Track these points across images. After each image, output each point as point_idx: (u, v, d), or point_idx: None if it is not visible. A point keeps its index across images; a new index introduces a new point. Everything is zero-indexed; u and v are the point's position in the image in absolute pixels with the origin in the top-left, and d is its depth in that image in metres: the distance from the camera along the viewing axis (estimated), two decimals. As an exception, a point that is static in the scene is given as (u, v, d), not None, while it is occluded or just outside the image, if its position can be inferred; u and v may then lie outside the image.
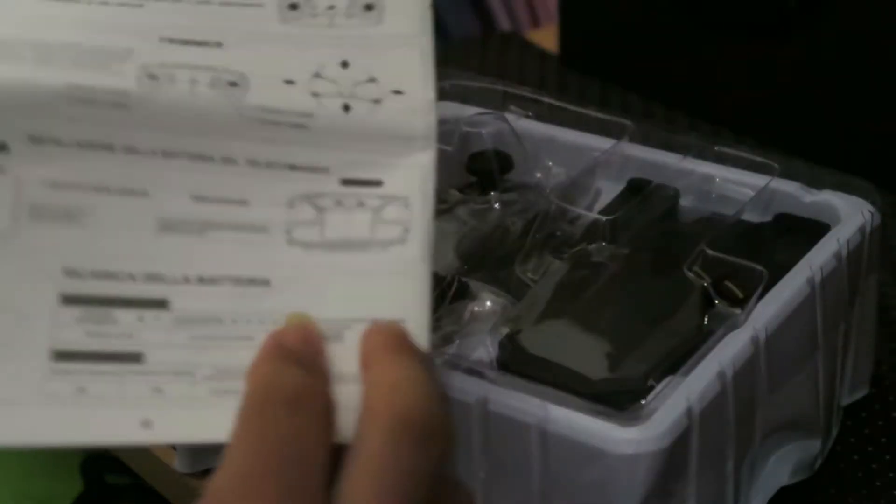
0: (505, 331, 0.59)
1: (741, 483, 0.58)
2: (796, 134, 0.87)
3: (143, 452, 0.67)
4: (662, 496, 0.52)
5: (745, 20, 0.89)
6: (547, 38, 1.05)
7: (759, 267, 0.59)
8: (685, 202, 0.67)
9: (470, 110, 0.73)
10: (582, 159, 0.69)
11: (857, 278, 0.63)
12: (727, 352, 0.55)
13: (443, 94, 0.74)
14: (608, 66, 0.98)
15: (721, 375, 0.54)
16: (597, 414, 0.52)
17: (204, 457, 0.64)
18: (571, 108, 0.72)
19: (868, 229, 0.62)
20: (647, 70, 0.96)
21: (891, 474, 0.63)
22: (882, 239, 0.64)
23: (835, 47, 0.84)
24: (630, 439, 0.51)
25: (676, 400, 0.52)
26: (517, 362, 0.57)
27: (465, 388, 0.54)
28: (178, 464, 0.65)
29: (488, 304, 0.62)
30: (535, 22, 1.34)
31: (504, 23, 1.36)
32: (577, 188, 0.69)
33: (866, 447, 0.65)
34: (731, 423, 0.55)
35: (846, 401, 0.66)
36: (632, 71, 0.97)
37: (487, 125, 0.72)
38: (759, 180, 0.65)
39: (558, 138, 0.71)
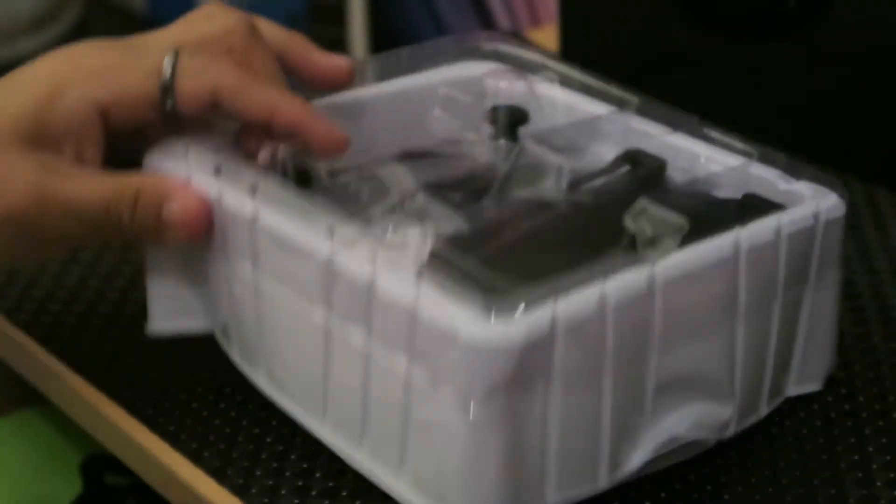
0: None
1: (627, 420, 0.59)
2: (796, 133, 0.87)
3: (143, 452, 0.67)
4: (517, 398, 0.55)
5: (744, 20, 0.88)
6: (547, 37, 1.05)
7: (682, 217, 0.60)
8: (676, 176, 0.69)
9: (491, 66, 0.76)
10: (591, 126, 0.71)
11: (804, 263, 0.63)
12: (618, 281, 0.56)
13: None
14: (608, 66, 0.98)
15: (602, 298, 0.55)
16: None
17: (178, 315, 0.69)
18: (579, 76, 0.76)
19: (825, 217, 0.63)
20: (647, 70, 0.96)
21: (891, 475, 0.63)
22: (875, 217, 0.64)
23: (835, 47, 0.84)
24: (485, 328, 0.54)
25: (546, 307, 0.55)
26: None
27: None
28: (149, 323, 0.69)
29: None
30: (536, 21, 1.34)
31: (504, 23, 1.36)
32: (571, 147, 0.72)
33: (866, 447, 0.65)
34: (611, 349, 0.57)
35: (793, 391, 0.67)
36: (632, 71, 0.97)
37: (508, 81, 0.75)
38: (741, 163, 0.67)
39: (576, 106, 0.73)
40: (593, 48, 0.99)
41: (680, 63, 0.93)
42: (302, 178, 0.66)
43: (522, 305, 0.55)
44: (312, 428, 0.64)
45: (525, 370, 0.55)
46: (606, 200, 0.65)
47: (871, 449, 0.65)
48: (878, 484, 0.63)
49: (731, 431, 0.63)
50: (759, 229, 0.61)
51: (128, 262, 0.80)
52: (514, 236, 0.63)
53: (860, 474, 0.63)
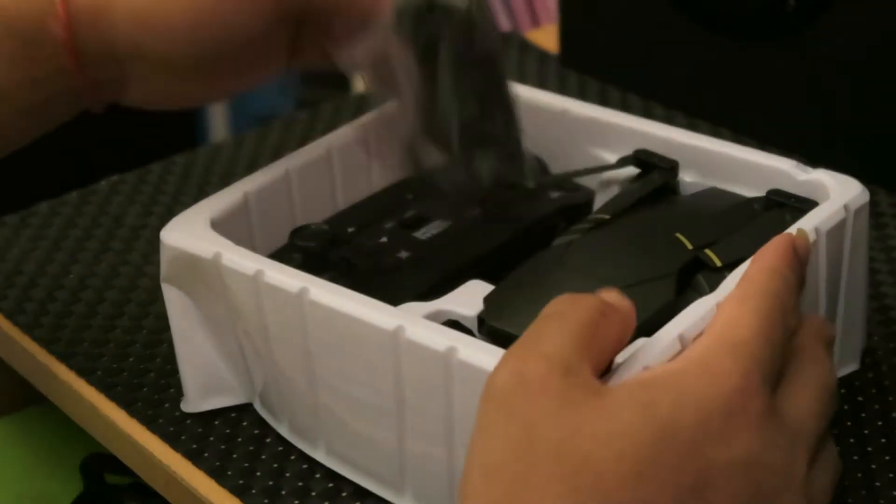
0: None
1: None
2: (796, 134, 0.87)
3: (143, 452, 0.67)
4: None
5: (744, 20, 0.89)
6: (547, 38, 1.05)
7: (742, 237, 0.61)
8: (686, 176, 0.69)
9: None
10: (593, 132, 0.71)
11: (839, 254, 0.64)
12: (690, 316, 0.56)
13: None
14: (608, 66, 0.98)
15: (681, 338, 0.55)
16: None
17: (213, 394, 0.67)
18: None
19: (853, 207, 0.63)
20: (646, 70, 0.96)
21: (890, 474, 0.63)
22: (874, 218, 0.64)
23: (834, 47, 0.84)
24: None
25: (634, 360, 0.53)
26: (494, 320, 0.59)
27: (436, 338, 0.56)
28: (184, 403, 0.67)
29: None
30: (535, 22, 1.34)
31: (504, 23, 1.36)
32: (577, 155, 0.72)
33: (866, 447, 0.65)
34: None
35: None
36: (632, 71, 0.97)
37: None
38: (756, 157, 0.67)
39: (571, 110, 0.72)
40: (593, 49, 0.99)
41: (680, 63, 0.93)
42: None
43: (617, 363, 0.53)
44: (390, 499, 0.61)
45: None
46: (638, 214, 0.65)
47: (870, 449, 0.65)
48: (878, 484, 0.63)
49: None
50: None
51: (127, 263, 0.80)
52: (563, 282, 0.61)
53: (860, 474, 0.63)
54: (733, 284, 0.58)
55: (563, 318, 0.48)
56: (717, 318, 0.51)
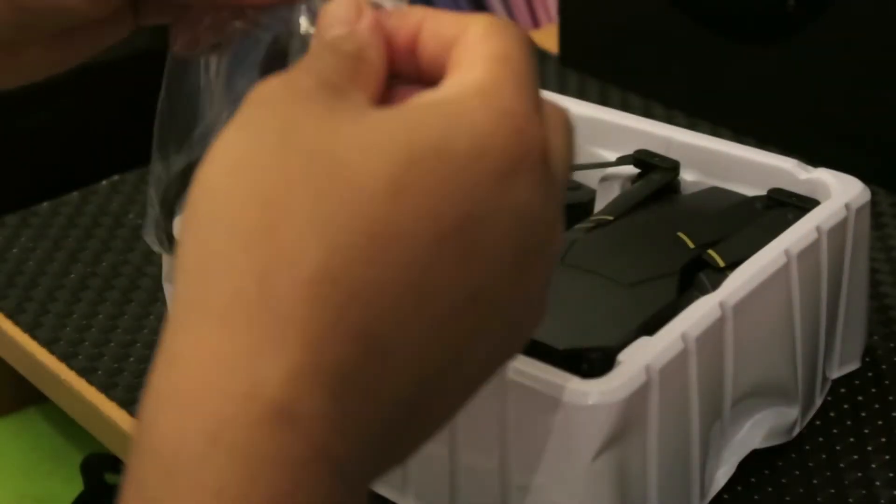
0: None
1: (710, 442, 0.59)
2: (796, 134, 0.87)
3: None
4: (621, 447, 0.54)
5: (744, 20, 0.89)
6: (547, 38, 1.05)
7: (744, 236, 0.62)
8: (687, 175, 0.69)
9: None
10: (594, 132, 0.71)
11: (840, 252, 0.64)
12: (693, 315, 0.56)
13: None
14: (608, 66, 0.98)
15: (684, 337, 0.55)
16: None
17: None
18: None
19: (855, 206, 0.64)
20: (646, 70, 0.96)
21: (890, 474, 0.63)
22: (874, 218, 0.65)
23: (834, 47, 0.84)
24: (587, 391, 0.53)
25: (637, 358, 0.54)
26: None
27: None
28: None
29: None
30: (535, 22, 1.34)
31: (504, 23, 1.35)
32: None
33: (866, 447, 0.65)
34: (695, 383, 0.56)
35: (836, 374, 0.67)
36: (632, 71, 0.97)
37: None
38: (757, 156, 0.68)
39: (571, 110, 0.72)
40: (593, 49, 0.99)
41: (680, 63, 0.93)
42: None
43: (619, 362, 0.54)
44: (392, 497, 0.61)
45: (626, 420, 0.54)
46: (639, 214, 0.66)
47: (870, 448, 0.65)
48: (878, 483, 0.63)
49: (797, 431, 0.64)
50: (803, 232, 0.61)
51: (128, 263, 0.80)
52: (563, 281, 0.61)
53: (860, 474, 0.63)
54: (736, 283, 0.58)
55: (337, 48, 0.42)
56: (476, 38, 0.42)
